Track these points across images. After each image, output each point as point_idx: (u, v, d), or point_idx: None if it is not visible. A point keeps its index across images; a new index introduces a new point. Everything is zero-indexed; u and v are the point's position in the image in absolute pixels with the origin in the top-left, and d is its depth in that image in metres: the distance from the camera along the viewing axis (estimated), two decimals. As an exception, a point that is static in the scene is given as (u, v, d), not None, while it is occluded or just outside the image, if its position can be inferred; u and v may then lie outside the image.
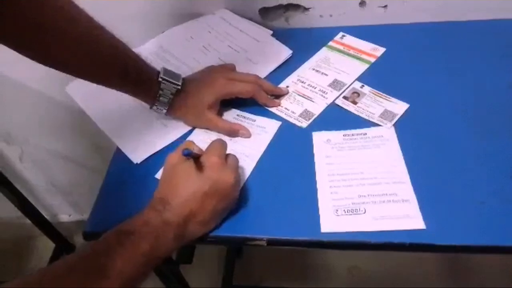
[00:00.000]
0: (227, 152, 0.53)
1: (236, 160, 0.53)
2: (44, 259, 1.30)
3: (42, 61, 0.52)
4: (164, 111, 0.61)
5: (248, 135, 0.60)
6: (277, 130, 0.61)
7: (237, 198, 0.51)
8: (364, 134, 0.59)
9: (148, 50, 0.73)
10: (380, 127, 0.59)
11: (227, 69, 0.65)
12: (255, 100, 0.63)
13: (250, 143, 0.60)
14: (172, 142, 0.62)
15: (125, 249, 0.42)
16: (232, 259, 1.24)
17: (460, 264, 1.20)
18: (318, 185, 0.54)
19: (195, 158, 0.50)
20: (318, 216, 0.51)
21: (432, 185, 0.52)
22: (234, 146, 0.59)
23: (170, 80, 0.59)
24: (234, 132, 0.60)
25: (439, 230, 0.48)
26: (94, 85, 0.58)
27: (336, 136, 0.59)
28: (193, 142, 0.53)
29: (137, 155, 0.61)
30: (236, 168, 0.52)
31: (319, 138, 0.59)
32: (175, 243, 0.47)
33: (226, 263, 1.21)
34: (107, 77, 0.56)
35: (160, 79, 0.58)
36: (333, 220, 0.50)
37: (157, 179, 0.58)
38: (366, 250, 0.49)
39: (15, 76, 0.94)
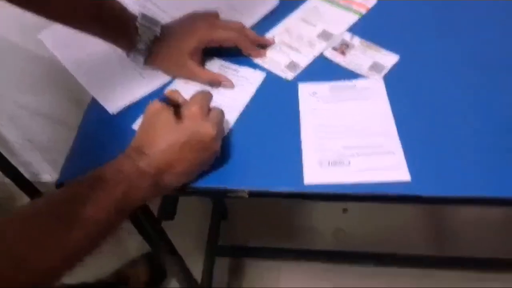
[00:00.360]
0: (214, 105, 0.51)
1: (220, 113, 0.50)
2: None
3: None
4: (142, 59, 0.58)
5: (231, 85, 0.58)
6: (262, 82, 0.59)
7: (218, 152, 0.49)
8: (352, 87, 0.57)
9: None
10: (369, 79, 0.57)
11: (211, 15, 0.61)
12: (239, 49, 0.60)
13: (233, 94, 0.57)
14: (151, 93, 0.59)
15: (96, 195, 0.40)
16: (217, 220, 1.24)
17: (446, 232, 1.22)
18: (302, 137, 0.52)
19: (175, 107, 0.47)
20: (302, 168, 0.49)
21: (420, 138, 0.51)
22: (216, 96, 0.56)
23: (149, 25, 0.55)
24: (216, 82, 0.58)
25: (424, 182, 0.47)
26: (69, 32, 0.54)
27: (322, 88, 0.57)
28: (178, 92, 0.50)
29: (113, 105, 0.58)
30: (219, 121, 0.49)
31: (305, 90, 0.57)
32: (149, 192, 0.45)
33: (211, 224, 1.20)
34: (78, 16, 0.52)
35: (137, 25, 0.55)
36: (316, 172, 0.49)
37: (134, 130, 0.55)
38: (350, 201, 0.48)
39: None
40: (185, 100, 0.50)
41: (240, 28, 0.60)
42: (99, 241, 0.41)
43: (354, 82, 0.57)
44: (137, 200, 0.44)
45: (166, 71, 0.60)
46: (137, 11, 0.57)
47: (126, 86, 0.59)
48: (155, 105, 0.48)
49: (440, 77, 0.56)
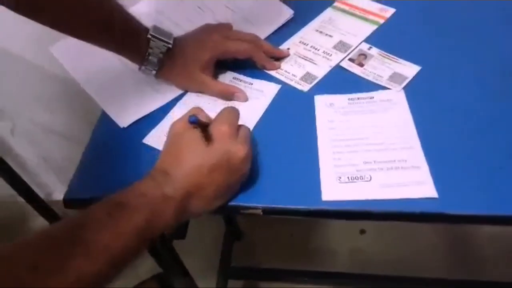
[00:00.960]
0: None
1: (248, 131, 0.47)
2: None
3: (23, 11, 0.48)
4: (154, 72, 0.56)
5: (244, 98, 0.56)
6: (276, 94, 0.56)
7: (247, 175, 0.46)
8: (371, 98, 0.54)
9: (139, 10, 0.68)
10: (389, 90, 0.54)
11: (224, 27, 0.59)
12: (253, 61, 0.58)
13: (247, 107, 0.55)
14: (162, 106, 0.57)
15: (115, 222, 0.37)
16: (231, 240, 1.20)
17: (471, 254, 1.15)
18: (320, 151, 0.49)
19: (203, 126, 0.44)
20: (319, 184, 0.46)
21: (445, 151, 0.47)
22: None
23: (160, 37, 0.54)
24: (229, 94, 0.56)
25: (452, 199, 0.43)
26: (80, 46, 0.53)
27: (340, 99, 0.54)
28: (201, 109, 0.47)
29: (124, 119, 0.56)
30: (249, 139, 0.46)
31: (322, 102, 0.54)
32: (174, 219, 0.41)
33: (224, 244, 1.17)
34: (89, 29, 0.51)
35: (149, 36, 0.54)
36: (335, 188, 0.46)
37: (144, 144, 0.53)
38: (372, 220, 0.44)
39: (6, 46, 0.90)
40: (209, 117, 0.47)
41: (254, 39, 0.58)
42: (118, 269, 0.37)
43: (373, 93, 0.54)
44: (160, 229, 0.40)
45: (178, 84, 0.58)
46: (146, 23, 0.56)
47: (137, 100, 0.58)
48: (181, 123, 0.45)
49: (465, 88, 0.53)
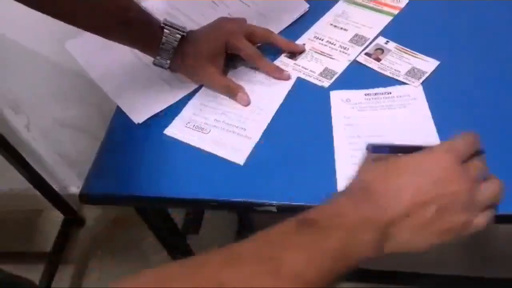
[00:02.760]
0: None
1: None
2: (53, 231, 1.29)
3: (39, 7, 0.48)
4: (167, 63, 0.55)
5: (246, 102, 0.55)
6: (295, 88, 0.56)
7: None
8: (388, 93, 0.53)
9: (153, 5, 0.67)
10: (407, 85, 0.53)
11: (238, 21, 0.59)
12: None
13: (266, 96, 0.55)
14: (176, 102, 0.57)
15: (305, 241, 0.32)
16: (244, 237, 1.20)
17: (488, 250, 1.14)
18: (336, 148, 0.49)
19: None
20: (335, 181, 0.46)
21: (465, 148, 0.46)
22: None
23: (174, 27, 0.54)
24: (231, 90, 0.55)
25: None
26: (95, 42, 0.54)
27: (356, 95, 0.53)
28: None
29: (139, 115, 0.56)
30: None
31: (338, 97, 0.54)
32: (372, 248, 0.33)
33: (237, 240, 1.17)
34: (106, 23, 0.52)
35: (163, 25, 0.53)
36: (351, 185, 0.45)
37: (161, 136, 0.54)
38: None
39: (22, 41, 0.91)
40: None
41: (268, 34, 0.58)
42: None
43: (390, 88, 0.53)
44: (355, 257, 0.33)
45: (188, 74, 0.58)
46: (160, 17, 0.55)
47: (151, 96, 0.58)
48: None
49: (485, 84, 0.52)
